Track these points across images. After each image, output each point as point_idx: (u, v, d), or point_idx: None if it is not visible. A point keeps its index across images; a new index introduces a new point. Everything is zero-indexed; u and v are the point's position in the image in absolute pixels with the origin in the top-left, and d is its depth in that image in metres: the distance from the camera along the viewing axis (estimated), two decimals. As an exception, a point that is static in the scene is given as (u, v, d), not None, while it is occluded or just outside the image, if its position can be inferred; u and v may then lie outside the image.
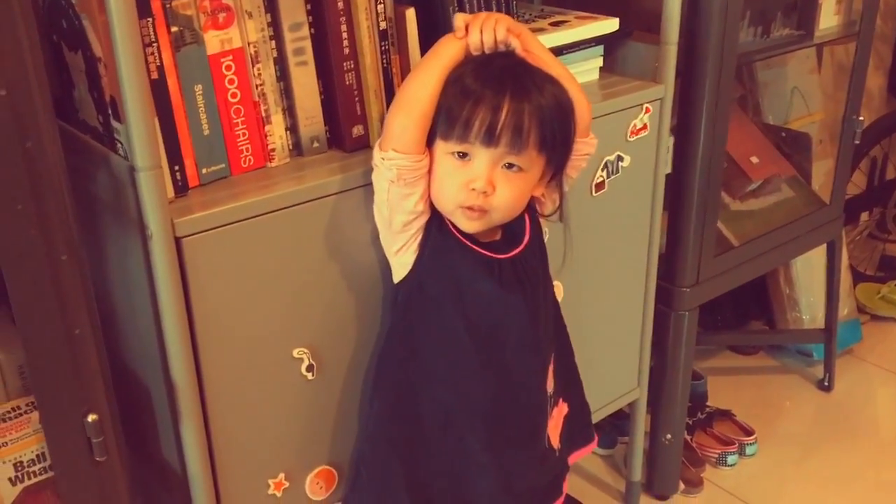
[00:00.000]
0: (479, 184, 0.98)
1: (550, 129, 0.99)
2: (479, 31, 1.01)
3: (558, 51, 1.33)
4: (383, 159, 0.99)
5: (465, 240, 1.04)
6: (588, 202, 1.37)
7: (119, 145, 0.98)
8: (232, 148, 1.05)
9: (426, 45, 1.14)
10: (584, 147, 1.11)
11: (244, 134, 1.05)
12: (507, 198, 1.00)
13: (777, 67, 2.03)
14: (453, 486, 1.13)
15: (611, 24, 1.38)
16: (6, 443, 1.00)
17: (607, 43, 1.41)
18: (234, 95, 1.03)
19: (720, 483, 1.85)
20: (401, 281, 1.07)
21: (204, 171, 1.03)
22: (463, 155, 0.98)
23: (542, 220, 1.15)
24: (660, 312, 1.61)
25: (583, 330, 1.46)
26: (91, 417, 0.92)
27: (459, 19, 1.02)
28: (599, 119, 1.32)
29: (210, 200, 1.00)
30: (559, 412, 1.24)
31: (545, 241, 1.17)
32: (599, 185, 1.37)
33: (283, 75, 1.07)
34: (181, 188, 1.00)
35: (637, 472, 1.75)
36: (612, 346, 1.55)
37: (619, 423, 1.91)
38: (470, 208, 1.00)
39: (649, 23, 1.45)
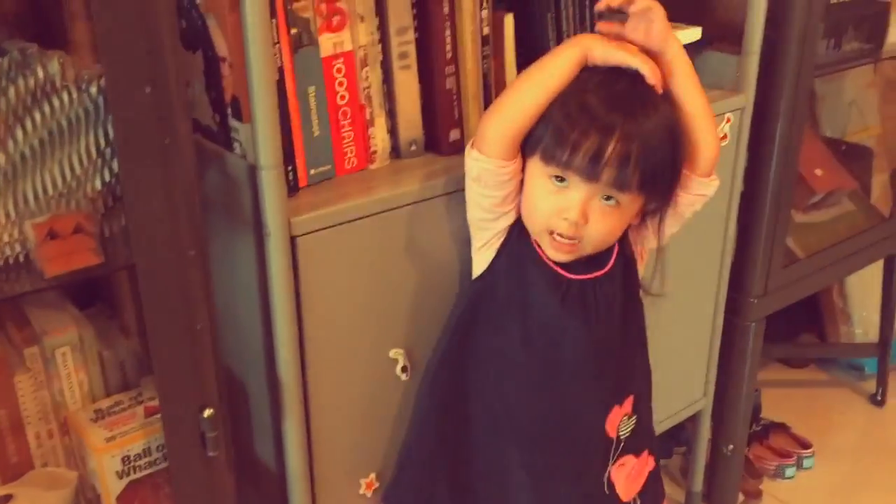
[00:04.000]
0: (572, 214, 0.95)
1: (656, 170, 0.95)
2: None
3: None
4: (470, 158, 0.99)
5: (541, 251, 1.02)
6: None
7: (236, 145, 0.99)
8: (338, 149, 1.06)
9: (521, 50, 1.16)
10: (702, 187, 1.05)
11: (350, 136, 1.06)
12: (600, 231, 0.98)
13: (836, 81, 2.03)
14: (495, 494, 1.10)
15: (693, 34, 1.39)
16: (114, 437, 1.01)
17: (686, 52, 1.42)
18: (342, 98, 1.04)
19: (778, 495, 1.84)
20: (476, 277, 1.07)
21: (312, 171, 1.04)
22: (561, 180, 0.95)
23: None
24: (727, 322, 1.61)
25: (654, 339, 1.46)
26: (207, 412, 0.93)
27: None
28: (681, 128, 1.33)
29: (319, 201, 1.01)
30: (641, 464, 1.18)
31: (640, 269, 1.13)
32: (680, 194, 1.38)
33: (387, 78, 1.08)
34: (292, 188, 1.01)
35: (699, 483, 1.75)
36: (681, 355, 1.55)
37: (674, 431, 1.90)
38: (559, 236, 0.98)
39: (726, 32, 1.46)
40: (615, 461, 1.12)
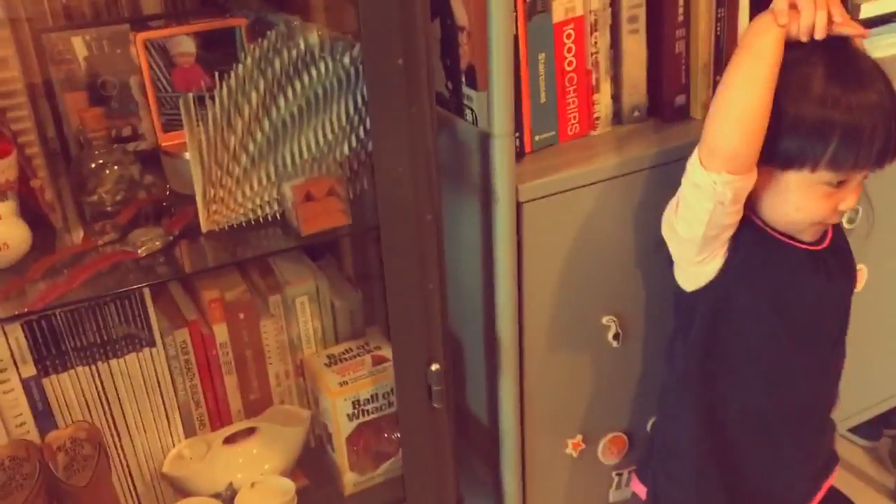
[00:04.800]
0: (850, 204, 0.92)
1: None
2: (812, 14, 0.87)
3: (871, 23, 1.25)
4: (715, 182, 0.88)
5: (783, 237, 0.97)
6: (904, 183, 1.28)
7: (468, 112, 1.02)
8: (562, 116, 1.07)
9: (756, 10, 1.10)
10: None
11: (574, 102, 1.07)
12: (857, 202, 0.95)
13: None
14: (765, 482, 1.09)
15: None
16: (346, 382, 1.09)
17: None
18: (570, 64, 1.04)
19: None
20: (699, 290, 0.99)
21: (536, 137, 1.05)
22: (841, 182, 0.91)
23: None
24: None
25: (880, 318, 1.39)
26: (434, 367, 0.98)
27: (782, 1, 0.88)
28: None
29: (544, 168, 1.02)
30: None
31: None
32: (920, 165, 1.28)
33: (615, 43, 1.07)
34: (518, 154, 1.02)
35: (911, 470, 1.65)
36: (904, 336, 1.46)
37: (884, 414, 1.80)
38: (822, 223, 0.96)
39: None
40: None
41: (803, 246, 0.98)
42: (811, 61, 0.89)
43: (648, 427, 1.22)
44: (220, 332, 1.08)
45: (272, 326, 1.12)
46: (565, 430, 1.17)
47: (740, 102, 0.87)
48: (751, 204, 0.95)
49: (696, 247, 0.95)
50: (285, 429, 1.10)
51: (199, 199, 0.89)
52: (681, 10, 1.06)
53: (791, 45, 0.89)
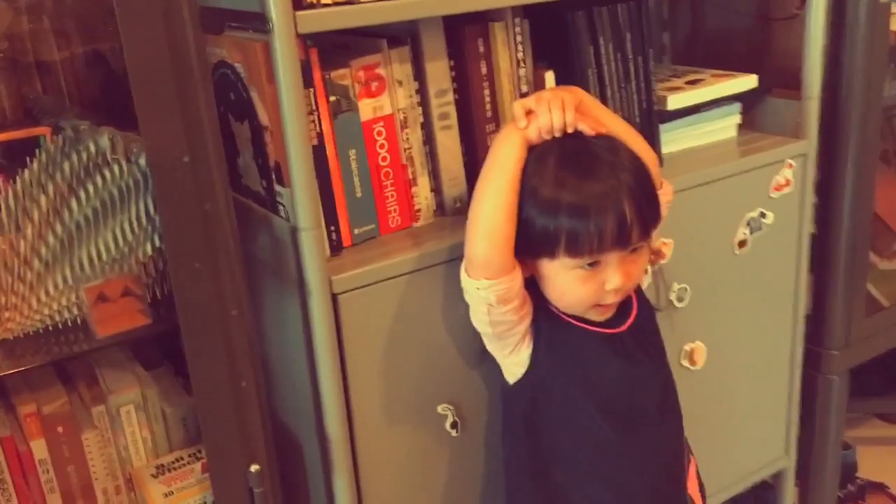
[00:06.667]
0: (616, 283, 0.95)
1: (654, 200, 0.98)
2: (547, 115, 0.95)
3: (695, 109, 1.34)
4: (478, 289, 0.95)
5: (580, 323, 1.01)
6: (731, 260, 1.34)
7: (281, 208, 1.04)
8: (381, 209, 1.09)
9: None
10: (664, 197, 1.06)
11: (392, 196, 1.10)
12: (637, 277, 0.99)
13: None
14: None
15: (749, 81, 1.38)
16: (172, 492, 1.05)
17: (745, 100, 1.40)
18: (384, 159, 1.08)
19: (879, 561, 1.72)
20: (518, 381, 1.03)
21: (356, 231, 1.07)
22: (593, 264, 0.95)
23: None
24: (808, 376, 1.54)
25: (727, 393, 1.42)
26: (254, 468, 0.96)
27: (518, 107, 0.97)
28: (740, 176, 1.31)
29: (361, 259, 1.04)
30: (693, 467, 1.20)
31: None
32: (742, 243, 1.34)
33: (428, 139, 1.11)
34: (336, 248, 1.04)
35: (786, 547, 1.65)
36: (758, 410, 1.49)
37: (762, 493, 1.81)
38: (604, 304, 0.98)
39: (787, 78, 1.44)
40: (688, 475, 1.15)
41: (595, 329, 1.01)
42: (547, 155, 0.95)
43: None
44: (39, 448, 1.04)
45: (96, 439, 1.08)
46: (410, 527, 1.14)
47: (486, 213, 0.94)
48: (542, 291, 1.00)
49: (497, 341, 1.01)
50: (110, 548, 1.05)
51: (-10, 306, 0.87)
52: (488, 107, 1.12)
53: (532, 145, 0.96)
